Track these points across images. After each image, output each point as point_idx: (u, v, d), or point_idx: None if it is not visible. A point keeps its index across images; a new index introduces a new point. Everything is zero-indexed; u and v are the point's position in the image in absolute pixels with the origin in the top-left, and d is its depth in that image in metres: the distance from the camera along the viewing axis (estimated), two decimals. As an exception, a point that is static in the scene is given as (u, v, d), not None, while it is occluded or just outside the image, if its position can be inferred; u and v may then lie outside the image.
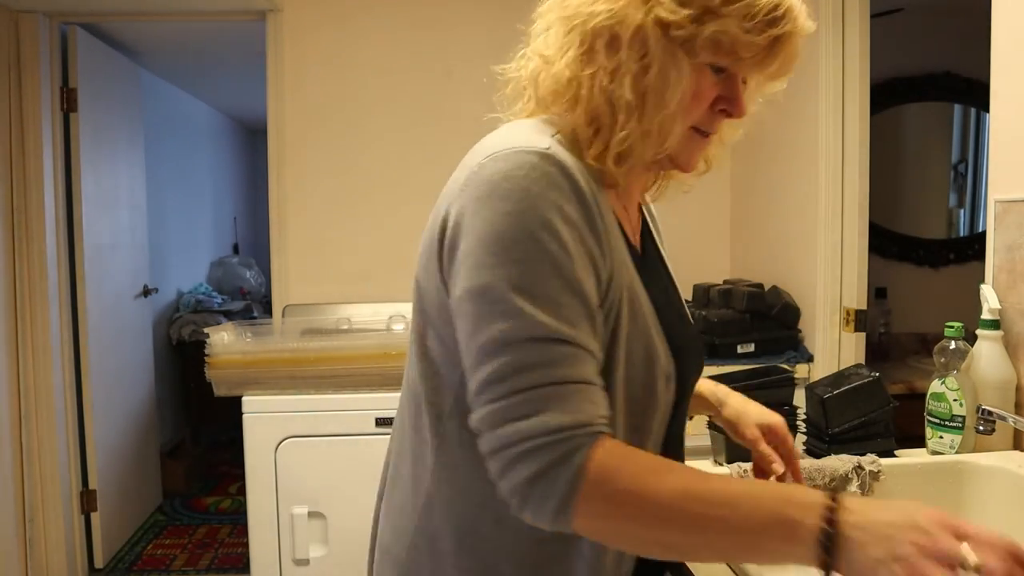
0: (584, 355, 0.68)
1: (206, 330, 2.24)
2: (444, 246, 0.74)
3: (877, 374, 1.30)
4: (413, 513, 0.81)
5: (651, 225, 0.95)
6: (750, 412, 1.00)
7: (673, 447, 0.85)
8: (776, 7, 0.72)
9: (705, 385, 1.05)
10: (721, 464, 1.26)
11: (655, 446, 0.80)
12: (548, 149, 0.71)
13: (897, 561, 0.57)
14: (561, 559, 0.76)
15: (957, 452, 1.29)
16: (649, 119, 0.74)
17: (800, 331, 2.36)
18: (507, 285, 0.67)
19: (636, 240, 0.86)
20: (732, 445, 1.15)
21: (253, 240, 6.17)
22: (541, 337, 0.67)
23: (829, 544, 0.59)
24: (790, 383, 1.35)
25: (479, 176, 0.71)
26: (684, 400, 0.85)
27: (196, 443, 4.28)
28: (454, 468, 0.78)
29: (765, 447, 0.96)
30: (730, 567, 0.93)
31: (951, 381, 1.31)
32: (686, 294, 2.83)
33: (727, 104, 0.78)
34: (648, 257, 0.88)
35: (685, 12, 0.71)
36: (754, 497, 0.64)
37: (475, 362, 0.69)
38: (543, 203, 0.69)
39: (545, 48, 0.78)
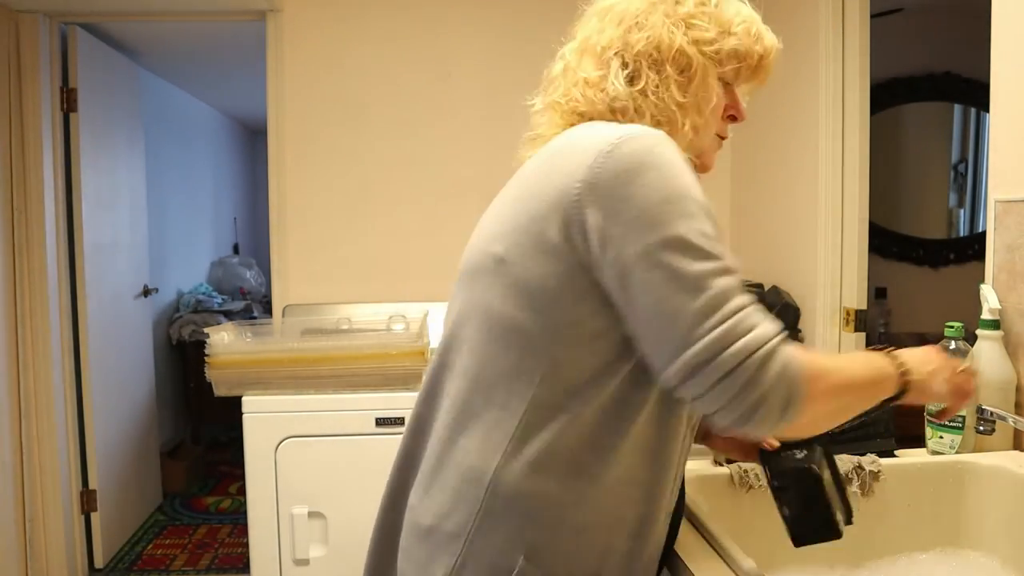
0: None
1: (206, 330, 2.23)
2: (586, 221, 0.80)
3: (877, 374, 1.30)
4: (474, 490, 0.84)
5: None
6: None
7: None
8: (763, 27, 0.94)
9: None
10: (721, 464, 1.26)
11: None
12: (661, 133, 0.84)
13: (940, 379, 0.91)
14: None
15: (957, 452, 1.29)
16: (693, 124, 0.90)
17: (800, 331, 2.36)
18: (694, 233, 0.78)
19: None
20: None
21: (253, 240, 6.17)
22: (731, 270, 0.80)
23: (905, 387, 0.88)
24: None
25: (618, 154, 0.80)
26: None
27: (196, 443, 4.28)
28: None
29: None
30: (728, 566, 0.94)
31: (951, 381, 1.30)
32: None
33: (734, 111, 0.95)
34: None
35: (714, 31, 0.90)
36: (864, 360, 0.89)
37: (682, 301, 0.77)
38: (685, 170, 0.81)
39: (582, 72, 0.92)
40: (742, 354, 0.75)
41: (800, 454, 0.95)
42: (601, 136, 0.83)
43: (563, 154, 0.85)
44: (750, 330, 0.77)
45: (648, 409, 0.84)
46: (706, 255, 0.78)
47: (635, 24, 0.91)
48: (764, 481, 0.98)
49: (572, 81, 0.94)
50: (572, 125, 0.93)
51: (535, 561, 0.83)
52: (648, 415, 0.85)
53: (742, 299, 0.79)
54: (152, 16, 2.89)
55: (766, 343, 0.77)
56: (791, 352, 0.79)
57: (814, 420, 0.83)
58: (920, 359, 0.91)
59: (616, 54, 0.91)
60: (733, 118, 0.96)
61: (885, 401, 0.88)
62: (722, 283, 0.78)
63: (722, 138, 0.97)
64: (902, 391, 0.88)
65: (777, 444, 0.98)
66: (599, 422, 0.83)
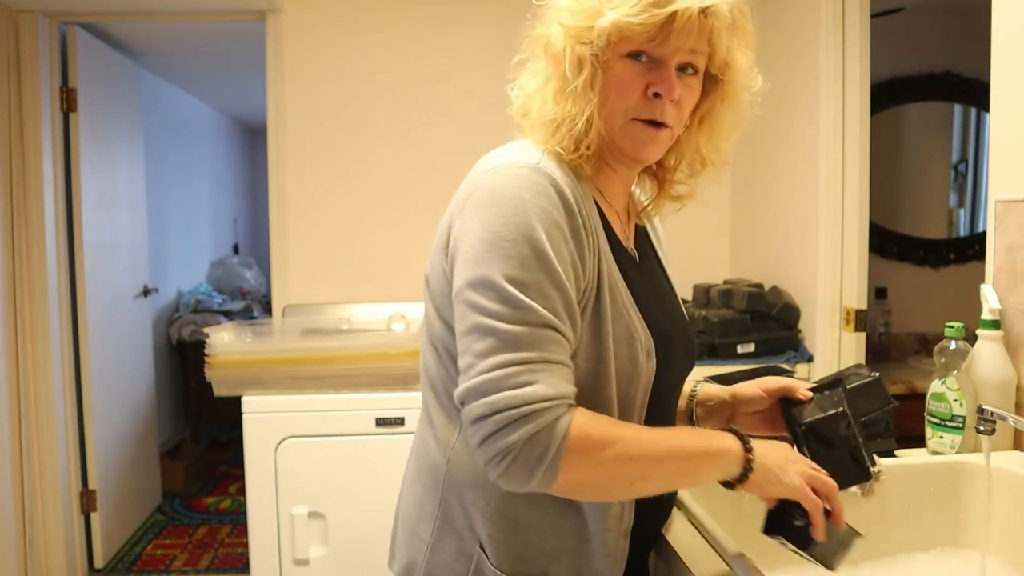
0: (564, 342, 0.80)
1: (206, 330, 2.23)
2: (449, 247, 0.86)
3: (877, 374, 1.29)
4: (438, 473, 0.92)
5: (652, 235, 1.07)
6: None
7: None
8: None
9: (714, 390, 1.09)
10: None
11: (640, 416, 0.91)
12: (538, 163, 0.83)
13: (793, 470, 0.85)
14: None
15: (957, 452, 1.29)
16: (584, 112, 0.84)
17: (800, 331, 2.36)
18: (504, 277, 0.78)
19: (628, 242, 0.97)
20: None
21: (253, 240, 6.17)
22: (532, 322, 0.78)
23: (748, 467, 0.83)
24: (790, 383, 1.35)
25: (481, 187, 0.83)
26: (666, 380, 0.94)
27: (196, 443, 4.28)
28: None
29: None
30: (719, 555, 0.94)
31: (951, 381, 1.31)
32: (686, 294, 2.83)
33: (657, 87, 0.84)
34: (645, 260, 1.00)
35: (585, 17, 0.83)
36: (692, 434, 0.89)
37: (471, 340, 0.79)
38: (534, 210, 0.80)
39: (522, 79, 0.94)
40: (495, 407, 0.75)
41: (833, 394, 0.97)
42: (483, 166, 0.87)
43: (467, 178, 0.89)
44: (521, 386, 0.76)
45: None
46: (511, 301, 0.77)
47: (542, 31, 0.90)
48: (813, 418, 0.96)
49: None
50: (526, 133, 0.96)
51: (488, 552, 0.88)
52: None
53: (533, 354, 0.77)
54: (152, 16, 2.89)
55: (529, 403, 0.75)
56: (562, 417, 0.77)
57: (584, 485, 0.80)
58: (768, 447, 0.86)
59: (526, 60, 0.93)
60: (658, 95, 0.85)
61: (726, 484, 0.85)
62: (513, 332, 0.77)
63: (645, 121, 0.86)
64: (744, 473, 0.84)
65: (810, 394, 0.98)
66: None
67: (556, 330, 0.79)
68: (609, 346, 0.86)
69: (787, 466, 0.85)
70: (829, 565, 0.88)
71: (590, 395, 0.84)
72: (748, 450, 0.84)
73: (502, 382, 0.76)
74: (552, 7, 0.88)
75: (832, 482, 0.86)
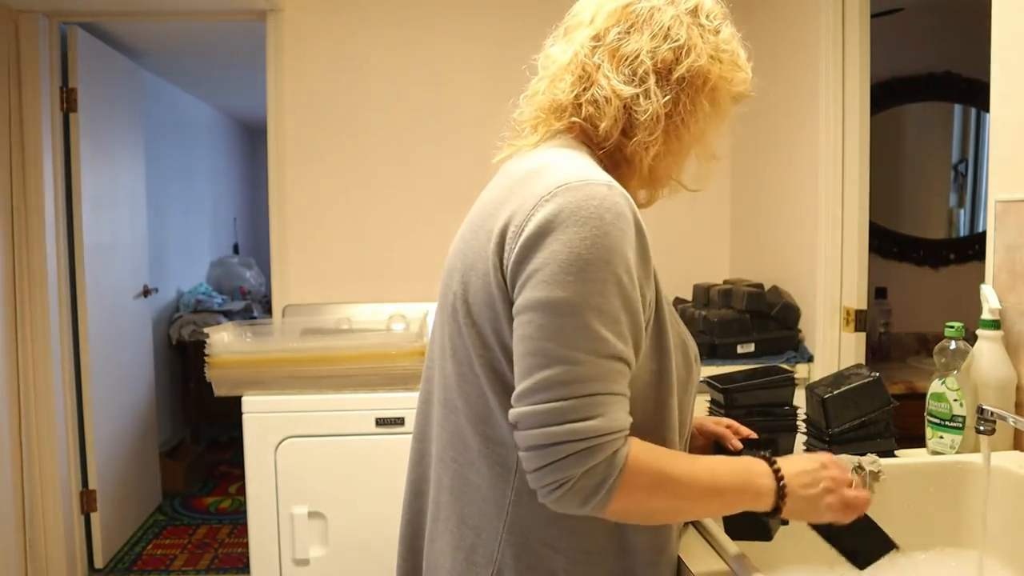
0: (627, 371, 0.80)
1: (206, 330, 2.23)
2: (508, 258, 0.81)
3: (877, 374, 1.30)
4: (497, 515, 0.87)
5: None
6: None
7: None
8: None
9: None
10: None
11: (690, 422, 0.98)
12: (611, 182, 0.82)
13: (827, 494, 0.87)
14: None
15: (957, 452, 1.29)
16: (698, 154, 0.94)
17: (800, 331, 2.36)
18: (583, 304, 0.76)
19: None
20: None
21: (253, 240, 6.17)
22: (603, 353, 0.77)
23: (782, 495, 0.85)
24: (790, 383, 1.35)
25: (553, 202, 0.79)
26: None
27: (196, 443, 4.28)
28: None
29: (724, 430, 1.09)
30: (719, 554, 0.94)
31: (951, 381, 1.31)
32: (686, 294, 2.82)
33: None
34: None
35: (734, 71, 0.91)
36: (730, 471, 0.85)
37: (537, 364, 0.77)
38: (613, 231, 0.78)
39: (614, 82, 0.87)
40: (558, 438, 0.75)
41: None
42: (551, 179, 0.82)
43: (516, 192, 0.85)
44: (584, 419, 0.75)
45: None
46: (585, 329, 0.76)
47: (675, 46, 0.87)
48: None
49: (584, 81, 0.89)
50: (557, 133, 0.92)
51: None
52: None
53: (599, 386, 0.76)
54: (152, 16, 2.89)
55: (591, 438, 0.75)
56: (620, 449, 0.77)
57: (629, 513, 0.81)
58: (798, 475, 0.86)
59: (653, 71, 0.87)
60: None
61: (764, 513, 0.86)
62: (584, 362, 0.76)
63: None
64: (777, 508, 0.85)
65: (741, 446, 1.03)
66: None
67: (622, 360, 0.78)
68: (670, 356, 0.87)
69: (817, 501, 0.86)
70: (860, 564, 0.94)
71: (654, 406, 0.86)
72: (781, 486, 0.85)
73: (567, 413, 0.75)
74: (693, 33, 0.89)
75: (866, 495, 0.89)
